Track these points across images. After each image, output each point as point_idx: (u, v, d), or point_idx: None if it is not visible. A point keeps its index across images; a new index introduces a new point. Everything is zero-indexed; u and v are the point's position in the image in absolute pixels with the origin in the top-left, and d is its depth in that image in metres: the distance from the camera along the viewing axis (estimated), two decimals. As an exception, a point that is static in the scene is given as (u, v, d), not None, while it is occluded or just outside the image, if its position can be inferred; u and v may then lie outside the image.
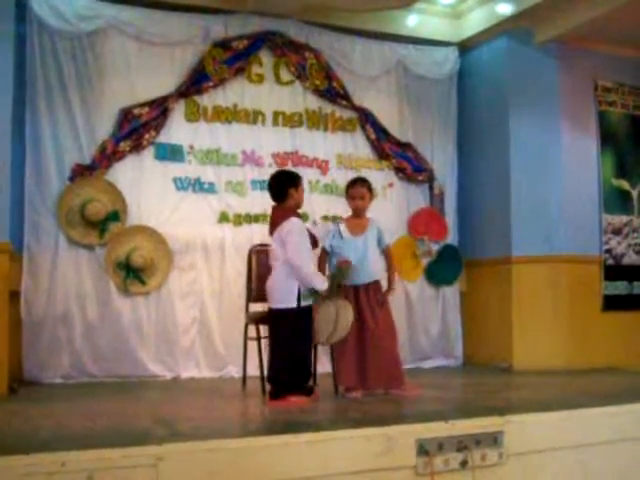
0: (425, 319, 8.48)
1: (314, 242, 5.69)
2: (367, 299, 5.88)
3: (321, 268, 5.96)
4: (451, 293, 8.68)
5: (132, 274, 7.13)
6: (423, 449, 4.17)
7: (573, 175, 8.31)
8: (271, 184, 5.71)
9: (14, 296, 6.56)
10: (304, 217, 7.54)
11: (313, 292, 5.49)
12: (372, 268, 5.93)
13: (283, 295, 5.43)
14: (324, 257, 6.04)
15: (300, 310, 5.42)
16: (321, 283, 5.47)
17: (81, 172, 7.06)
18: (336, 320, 5.55)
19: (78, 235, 7.04)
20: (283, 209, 5.58)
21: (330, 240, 5.99)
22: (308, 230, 5.66)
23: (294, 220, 5.48)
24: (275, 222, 5.56)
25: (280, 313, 5.46)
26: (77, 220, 7.02)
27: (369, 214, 6.16)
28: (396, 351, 5.96)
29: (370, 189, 6.13)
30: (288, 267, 5.41)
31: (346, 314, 5.60)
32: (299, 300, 5.40)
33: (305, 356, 5.49)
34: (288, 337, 5.39)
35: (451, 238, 8.67)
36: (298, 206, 5.71)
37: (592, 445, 4.81)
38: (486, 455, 4.35)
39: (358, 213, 6.09)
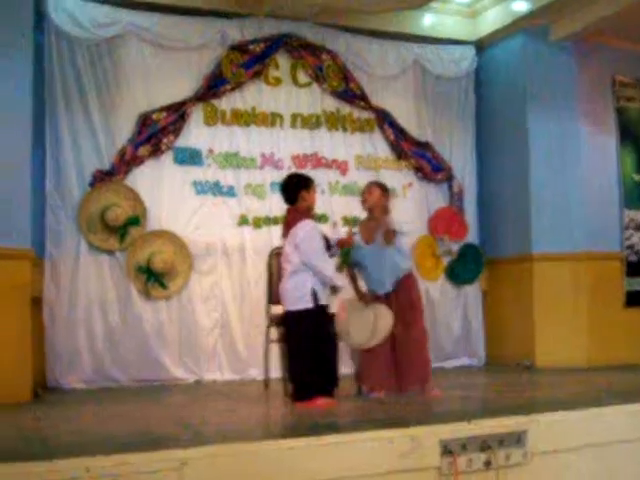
0: (447, 319, 8.46)
1: (328, 245, 5.69)
2: (396, 299, 5.86)
3: (355, 286, 6.08)
4: (472, 292, 8.65)
5: (153, 278, 7.15)
6: (447, 449, 4.17)
7: (593, 171, 8.28)
8: (283, 187, 5.75)
9: (36, 302, 6.60)
10: (324, 218, 7.61)
11: (333, 289, 5.59)
12: (392, 271, 5.90)
13: (299, 296, 5.43)
14: (351, 274, 6.10)
15: (318, 309, 5.43)
16: (340, 280, 5.62)
17: (101, 178, 7.10)
18: (374, 326, 5.58)
19: (99, 240, 7.08)
20: (296, 211, 5.61)
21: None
22: (321, 233, 5.67)
23: (307, 222, 5.51)
24: (289, 224, 5.60)
25: (298, 314, 5.46)
26: (98, 225, 7.06)
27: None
28: (427, 351, 5.97)
29: (381, 186, 6.12)
30: (302, 268, 5.43)
31: (385, 321, 5.64)
32: (315, 300, 5.42)
33: (329, 357, 5.48)
34: (309, 337, 5.39)
35: (471, 237, 8.65)
36: (311, 208, 5.73)
37: (617, 443, 4.78)
38: (510, 455, 4.34)
39: (369, 210, 6.05)
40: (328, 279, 5.48)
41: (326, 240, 5.68)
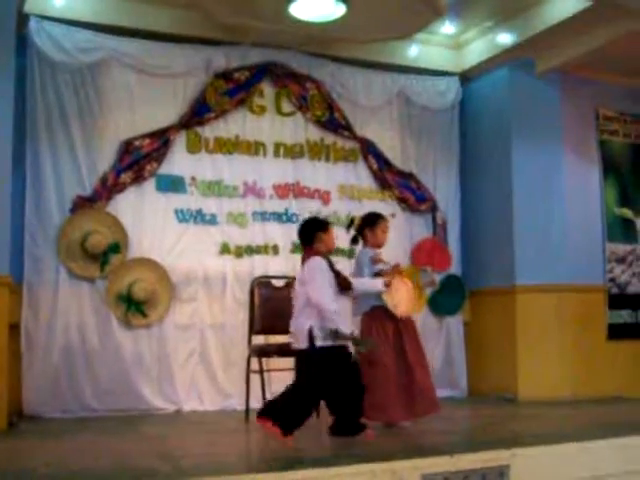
0: (429, 350, 8.34)
1: (347, 284, 5.51)
2: (406, 328, 6.01)
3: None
4: (455, 323, 8.60)
5: (133, 306, 7.07)
6: (430, 484, 4.11)
7: (576, 204, 8.31)
8: (299, 230, 5.58)
9: (14, 329, 6.49)
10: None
11: (335, 334, 5.19)
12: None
13: (299, 335, 5.26)
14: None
15: (314, 351, 5.20)
16: (342, 323, 5.22)
17: (82, 204, 7.02)
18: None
19: (79, 268, 6.98)
20: (312, 251, 5.41)
21: None
22: (339, 272, 5.46)
23: (316, 258, 5.33)
24: (303, 263, 5.44)
25: (298, 353, 5.34)
26: (78, 252, 6.97)
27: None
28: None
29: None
30: (306, 307, 5.26)
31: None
32: (312, 341, 5.19)
33: (307, 400, 5.18)
34: (301, 377, 5.26)
35: (455, 268, 8.62)
36: (329, 250, 5.53)
37: (602, 478, 4.73)
38: (493, 490, 4.29)
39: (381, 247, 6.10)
40: (325, 314, 5.16)
41: (344, 280, 5.49)
